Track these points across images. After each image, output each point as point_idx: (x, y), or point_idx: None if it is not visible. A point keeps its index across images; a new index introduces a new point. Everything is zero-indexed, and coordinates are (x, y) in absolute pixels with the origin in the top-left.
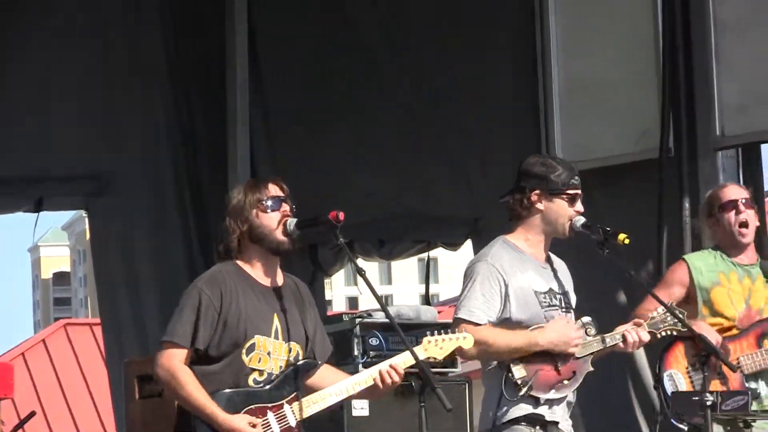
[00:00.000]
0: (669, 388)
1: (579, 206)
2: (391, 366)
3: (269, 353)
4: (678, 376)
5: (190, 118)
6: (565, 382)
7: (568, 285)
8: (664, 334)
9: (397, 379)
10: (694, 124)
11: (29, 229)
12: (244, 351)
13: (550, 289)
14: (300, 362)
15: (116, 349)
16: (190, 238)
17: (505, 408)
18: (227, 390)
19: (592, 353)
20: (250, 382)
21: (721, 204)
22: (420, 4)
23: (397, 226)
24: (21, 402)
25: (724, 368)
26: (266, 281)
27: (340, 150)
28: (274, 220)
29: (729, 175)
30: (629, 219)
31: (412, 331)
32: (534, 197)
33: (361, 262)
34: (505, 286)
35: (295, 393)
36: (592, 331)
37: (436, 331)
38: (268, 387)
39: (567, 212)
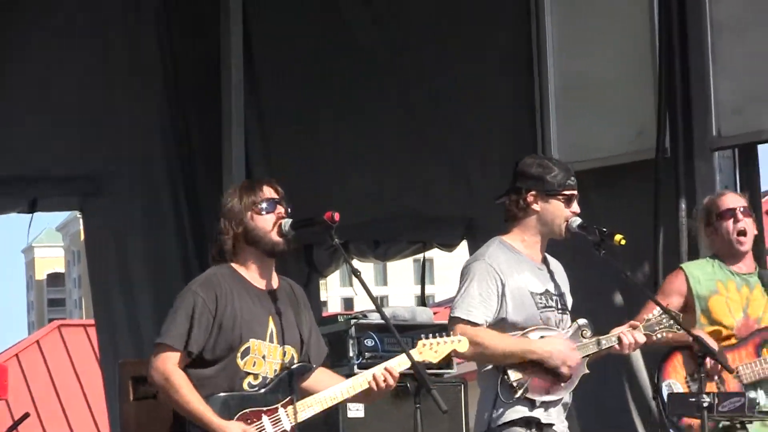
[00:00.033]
0: (666, 394)
1: (575, 207)
2: (386, 369)
3: (264, 357)
4: (677, 386)
5: (184, 119)
6: (561, 384)
7: (565, 286)
8: (660, 336)
9: (392, 382)
10: (690, 125)
11: (23, 230)
12: (239, 355)
13: (546, 291)
14: (294, 366)
15: (110, 351)
16: (185, 238)
17: (501, 410)
18: (222, 394)
19: (587, 355)
20: (245, 385)
21: (719, 212)
22: (415, 4)
23: (393, 226)
24: (15, 403)
25: (723, 372)
26: (261, 284)
27: (335, 151)
28: (269, 222)
29: (725, 175)
30: (625, 219)
31: (407, 333)
32: (530, 198)
33: (356, 262)
34: (502, 286)
35: (290, 397)
36: (588, 333)
37: (431, 335)
38: (262, 391)
39: (563, 213)
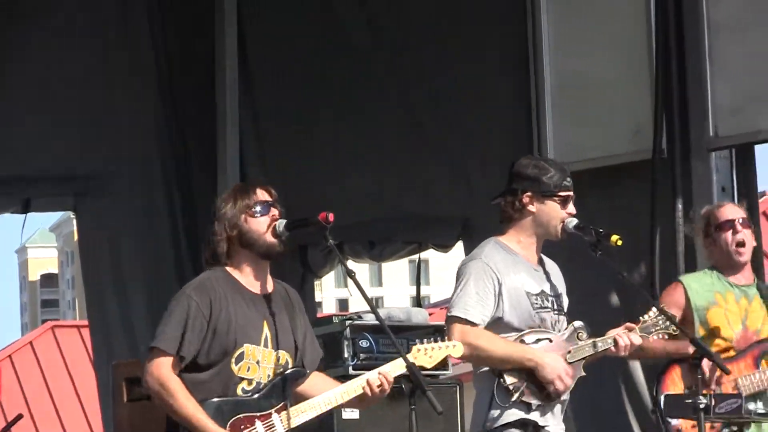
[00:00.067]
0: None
1: (571, 208)
2: (380, 374)
3: (258, 362)
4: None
5: (179, 120)
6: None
7: (561, 287)
8: (656, 337)
9: (386, 387)
10: (687, 125)
11: (17, 231)
12: (233, 360)
13: (542, 291)
14: (288, 371)
15: (104, 352)
16: (179, 239)
17: (497, 412)
18: (215, 399)
19: (584, 358)
20: (239, 391)
21: (718, 224)
22: (411, 4)
23: (388, 227)
24: (8, 405)
25: (721, 376)
26: (256, 288)
27: (330, 151)
28: (264, 224)
29: (722, 175)
30: (622, 220)
31: (402, 334)
32: (526, 199)
33: (351, 263)
34: (498, 285)
35: (283, 402)
36: (584, 335)
37: (425, 340)
38: (256, 396)
39: (559, 214)
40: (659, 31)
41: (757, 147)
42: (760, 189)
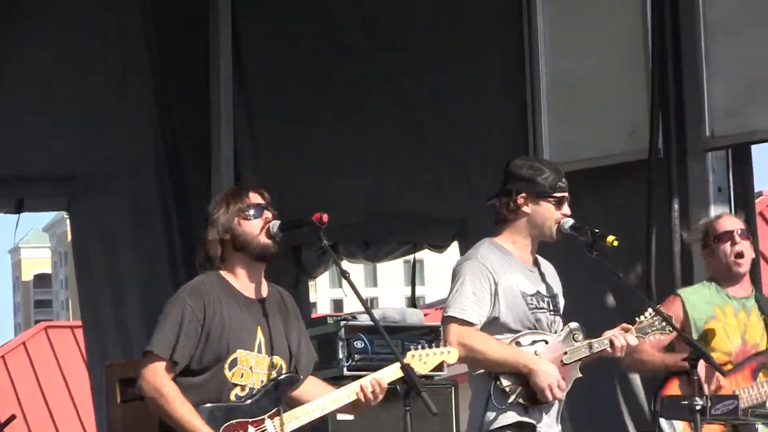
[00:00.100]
0: (665, 428)
1: (566, 209)
2: (374, 379)
3: (251, 368)
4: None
5: (173, 119)
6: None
7: (557, 288)
8: (652, 338)
9: (378, 393)
10: (683, 125)
11: (10, 231)
12: (226, 366)
13: (538, 292)
14: (281, 377)
15: (98, 352)
16: (173, 239)
17: (493, 415)
18: (208, 405)
19: (580, 359)
20: (232, 396)
21: (717, 235)
22: (406, 3)
23: (383, 227)
24: (1, 405)
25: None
26: (250, 292)
27: (324, 151)
28: (257, 226)
29: (719, 176)
30: (618, 220)
31: (397, 334)
32: (520, 200)
33: (345, 264)
34: (495, 285)
35: (276, 408)
36: (580, 336)
37: (420, 345)
38: (249, 402)
39: (554, 215)
40: (655, 31)
41: (753, 147)
42: (756, 189)
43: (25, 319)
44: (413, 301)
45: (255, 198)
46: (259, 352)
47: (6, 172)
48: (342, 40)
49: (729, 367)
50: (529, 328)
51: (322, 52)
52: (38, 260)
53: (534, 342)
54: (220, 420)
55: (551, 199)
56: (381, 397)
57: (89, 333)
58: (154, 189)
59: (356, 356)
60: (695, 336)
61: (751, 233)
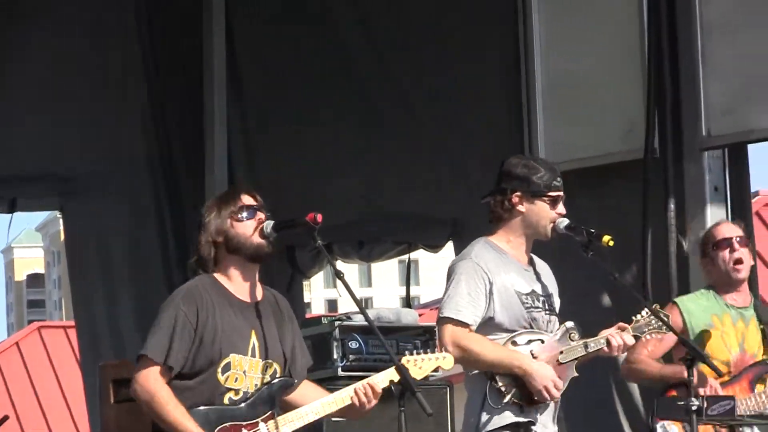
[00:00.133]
0: None
1: (561, 208)
2: (368, 384)
3: (245, 372)
4: (672, 428)
5: (166, 119)
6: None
7: (552, 288)
8: (648, 337)
9: (373, 397)
10: (679, 124)
11: (3, 231)
12: (219, 370)
13: (533, 291)
14: (275, 381)
15: (91, 352)
16: (167, 239)
17: (489, 415)
18: (202, 407)
19: (576, 358)
20: (225, 400)
21: (716, 242)
22: (401, 3)
23: (377, 227)
24: None
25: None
26: (244, 295)
27: (318, 151)
28: (250, 227)
29: (715, 175)
30: (614, 220)
31: (392, 334)
32: (515, 199)
33: (340, 264)
34: (489, 285)
35: (270, 411)
36: (576, 336)
37: (415, 351)
38: (243, 405)
39: (548, 215)
40: (651, 30)
41: (749, 147)
42: (753, 189)
43: (17, 319)
44: (408, 301)
45: (247, 200)
46: (253, 355)
47: None
48: (338, 40)
49: (726, 378)
50: (525, 328)
51: (317, 51)
52: (31, 260)
53: (530, 341)
54: (213, 423)
55: (546, 198)
56: (375, 402)
57: (82, 333)
58: (147, 189)
59: (351, 356)
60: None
61: (749, 240)
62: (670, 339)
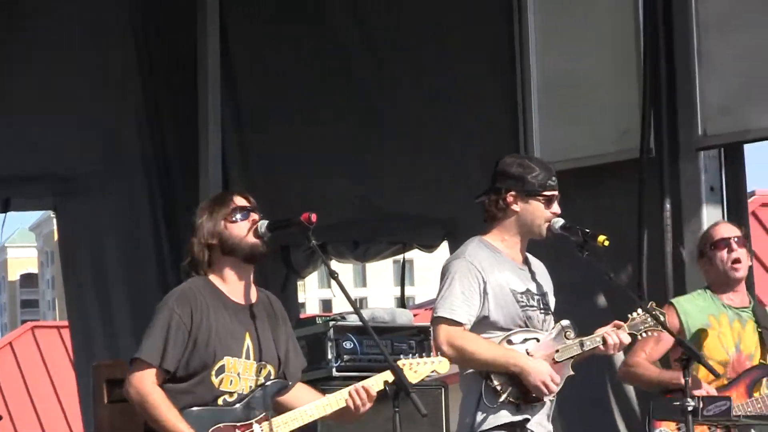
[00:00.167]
0: None
1: (555, 208)
2: (362, 387)
3: (239, 374)
4: None
5: (161, 120)
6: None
7: (547, 287)
8: (644, 335)
9: (367, 400)
10: (675, 124)
11: None
12: (213, 372)
13: (528, 290)
14: (269, 383)
15: (85, 353)
16: (161, 239)
17: (484, 415)
18: (195, 408)
19: (571, 357)
20: (220, 402)
21: (714, 242)
22: (397, 2)
23: (372, 227)
24: None
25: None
26: (239, 297)
27: (313, 151)
28: (244, 228)
29: (711, 175)
30: (609, 220)
31: (386, 335)
32: (510, 198)
33: (334, 264)
34: (483, 284)
35: (264, 413)
36: (572, 334)
37: (410, 355)
38: (237, 406)
39: (543, 214)
40: (647, 29)
41: (746, 146)
42: (749, 189)
43: (11, 319)
44: (403, 301)
45: (240, 201)
46: (247, 358)
47: None
48: (333, 40)
49: (723, 383)
50: (520, 326)
51: (313, 51)
52: (24, 260)
53: (525, 340)
54: (207, 424)
55: (541, 198)
56: (369, 405)
57: (76, 333)
58: (141, 189)
59: (345, 357)
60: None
61: (747, 240)
62: (668, 341)
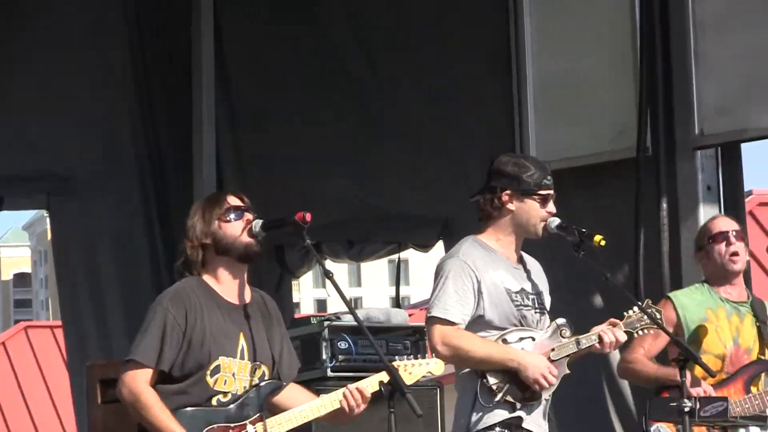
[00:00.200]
0: None
1: (551, 207)
2: (357, 389)
3: (234, 374)
4: (665, 430)
5: (155, 120)
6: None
7: (543, 286)
8: (640, 333)
9: (362, 402)
10: (672, 123)
11: None
12: (208, 373)
13: (522, 289)
14: (263, 383)
15: (78, 353)
16: (154, 239)
17: (480, 414)
18: (189, 408)
19: (567, 355)
20: (214, 402)
21: (712, 236)
22: (392, 2)
23: (367, 227)
24: None
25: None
26: (233, 297)
27: (307, 151)
28: (238, 228)
29: (708, 174)
30: (606, 220)
31: (381, 335)
32: (505, 197)
33: (329, 263)
34: (477, 283)
35: (258, 413)
36: (567, 333)
37: (405, 356)
38: (231, 407)
39: (538, 213)
40: (644, 29)
41: (743, 145)
42: (746, 188)
43: (4, 318)
44: (398, 301)
45: (234, 201)
46: (242, 358)
47: None
48: (328, 40)
49: (722, 377)
50: (515, 325)
51: (308, 51)
52: (18, 259)
53: (521, 339)
54: (201, 424)
55: (536, 197)
56: (364, 406)
57: (69, 333)
58: (135, 189)
59: (340, 357)
60: (687, 339)
61: (745, 235)
62: (666, 337)
